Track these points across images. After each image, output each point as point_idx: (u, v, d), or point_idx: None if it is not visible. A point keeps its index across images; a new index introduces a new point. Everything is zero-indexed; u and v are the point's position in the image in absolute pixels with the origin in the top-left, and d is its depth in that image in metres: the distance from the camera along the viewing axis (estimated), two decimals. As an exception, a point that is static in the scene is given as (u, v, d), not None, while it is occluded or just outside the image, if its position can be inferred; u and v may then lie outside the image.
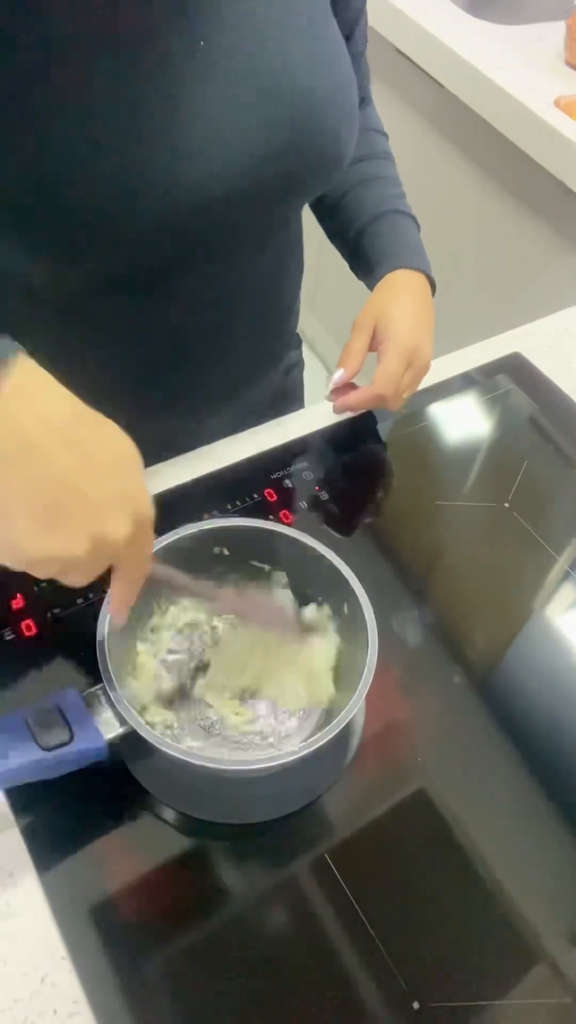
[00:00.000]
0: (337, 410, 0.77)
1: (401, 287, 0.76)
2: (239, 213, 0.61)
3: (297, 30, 0.59)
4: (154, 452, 0.77)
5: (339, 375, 0.74)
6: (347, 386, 0.75)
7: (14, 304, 0.65)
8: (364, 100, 0.83)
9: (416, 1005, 0.50)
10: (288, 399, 0.93)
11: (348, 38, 0.70)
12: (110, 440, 0.42)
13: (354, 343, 0.74)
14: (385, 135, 0.87)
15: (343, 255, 0.85)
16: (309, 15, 0.61)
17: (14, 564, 0.40)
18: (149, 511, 0.43)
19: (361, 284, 0.83)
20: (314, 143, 0.61)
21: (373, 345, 0.75)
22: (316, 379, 0.99)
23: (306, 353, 0.99)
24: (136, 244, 0.57)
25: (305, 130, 0.60)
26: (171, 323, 0.68)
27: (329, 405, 0.78)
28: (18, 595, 0.64)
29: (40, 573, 0.40)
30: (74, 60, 0.51)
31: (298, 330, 0.91)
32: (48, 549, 0.39)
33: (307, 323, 1.99)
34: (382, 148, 0.85)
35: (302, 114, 0.59)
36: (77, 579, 0.42)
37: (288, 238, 0.74)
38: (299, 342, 0.93)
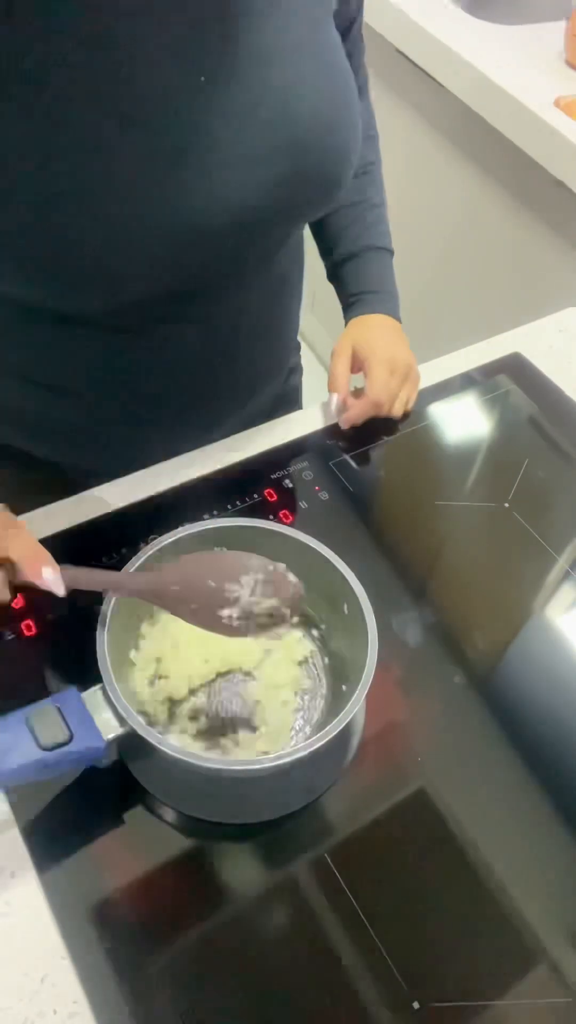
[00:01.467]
0: (345, 427, 0.81)
1: (372, 322, 0.83)
2: (244, 240, 0.61)
3: (300, 57, 0.59)
4: (167, 454, 0.78)
5: (335, 400, 0.81)
6: (351, 400, 0.81)
7: (19, 325, 0.66)
8: (361, 92, 0.82)
9: (416, 1005, 0.50)
10: (287, 402, 0.94)
11: (345, 34, 0.69)
12: None
13: (336, 368, 0.81)
14: (375, 136, 0.87)
15: (323, 262, 0.89)
16: (311, 39, 0.60)
17: None
18: None
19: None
20: (319, 168, 0.61)
21: (355, 368, 0.81)
22: (316, 380, 0.99)
23: (307, 353, 0.99)
24: (142, 279, 0.58)
25: (310, 157, 0.60)
26: (178, 348, 0.69)
27: (327, 405, 0.81)
28: (18, 595, 0.64)
29: None
30: (77, 99, 0.51)
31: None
32: None
33: (307, 323, 1.98)
34: (370, 158, 0.85)
35: (307, 141, 0.59)
36: None
37: (291, 253, 0.74)
38: (299, 347, 0.94)
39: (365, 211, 0.84)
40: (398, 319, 0.84)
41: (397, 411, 0.81)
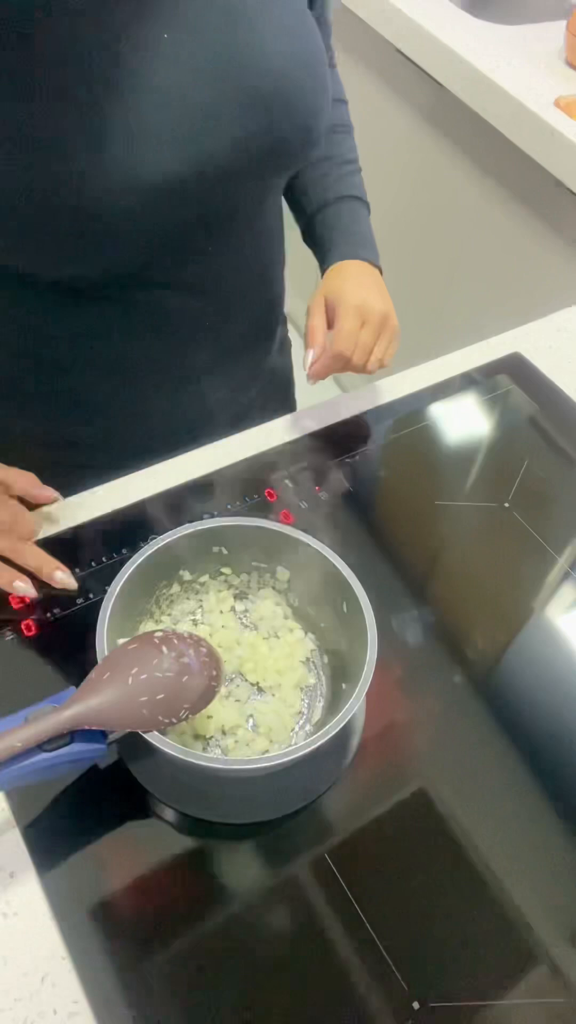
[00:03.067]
0: (311, 382, 0.78)
1: (344, 269, 0.79)
2: (216, 195, 0.61)
3: (265, 15, 0.60)
4: (165, 425, 0.79)
5: (311, 355, 0.75)
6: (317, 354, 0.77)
7: (8, 300, 0.67)
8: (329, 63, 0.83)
9: (416, 1005, 0.50)
10: (282, 382, 0.95)
11: (312, 3, 0.70)
12: None
13: (311, 321, 0.76)
14: (345, 102, 0.87)
15: (297, 225, 0.87)
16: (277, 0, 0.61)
17: None
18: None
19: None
20: (287, 123, 0.62)
21: (330, 319, 0.76)
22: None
23: (293, 335, 1.00)
24: (120, 237, 0.58)
25: (277, 111, 0.61)
26: (166, 313, 0.69)
27: (327, 405, 0.81)
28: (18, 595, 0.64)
29: None
30: (47, 57, 0.52)
31: (296, 325, 0.91)
32: None
33: (295, 307, 1.98)
34: (341, 120, 0.85)
35: (275, 94, 0.60)
36: None
37: (271, 212, 0.75)
38: (285, 319, 0.94)
39: (336, 166, 0.83)
40: (378, 267, 0.80)
41: (372, 366, 0.75)
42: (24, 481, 0.66)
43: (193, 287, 0.69)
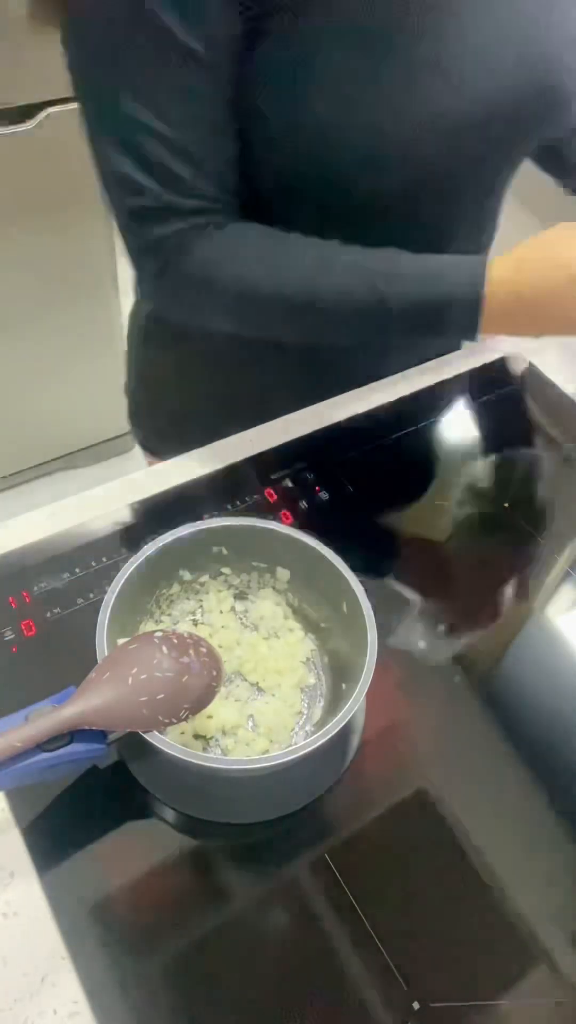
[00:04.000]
0: None
1: None
2: (491, 141, 0.66)
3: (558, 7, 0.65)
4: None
5: None
6: None
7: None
8: None
9: (416, 1005, 0.50)
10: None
11: None
12: None
13: None
14: None
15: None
16: None
17: None
18: None
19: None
20: (559, 85, 0.66)
21: None
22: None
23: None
24: (402, 164, 0.62)
25: (552, 73, 0.65)
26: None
27: (327, 405, 0.81)
28: (18, 595, 0.64)
29: None
30: (376, 16, 0.57)
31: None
32: None
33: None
34: None
35: (551, 56, 0.65)
36: None
37: (498, 199, 0.80)
38: None
39: None
40: None
41: None
42: None
43: (427, 229, 0.71)
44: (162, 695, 0.50)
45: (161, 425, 0.94)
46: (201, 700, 0.52)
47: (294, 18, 0.56)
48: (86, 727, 0.48)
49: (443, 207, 0.71)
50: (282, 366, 0.80)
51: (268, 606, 0.64)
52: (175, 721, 0.51)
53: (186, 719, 0.51)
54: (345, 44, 0.58)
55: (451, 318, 0.62)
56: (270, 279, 0.63)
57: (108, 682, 0.49)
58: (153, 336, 0.86)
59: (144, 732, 0.49)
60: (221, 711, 0.58)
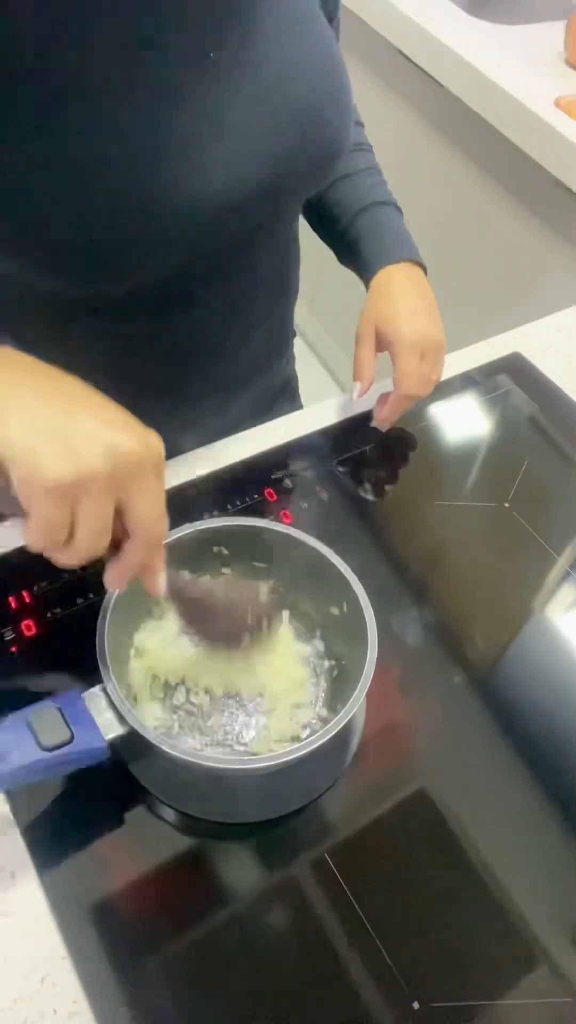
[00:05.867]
0: (382, 427, 0.80)
1: (391, 286, 0.77)
2: (254, 215, 0.62)
3: (295, 34, 0.60)
4: (176, 439, 0.78)
5: (356, 389, 0.77)
6: (381, 400, 0.79)
7: (20, 308, 0.66)
8: None
9: (416, 1005, 0.50)
10: (288, 392, 0.95)
11: (330, 20, 0.71)
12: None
13: (360, 353, 0.77)
14: (361, 124, 0.88)
15: (331, 248, 0.87)
16: (306, 14, 0.62)
17: (37, 497, 0.40)
18: (158, 446, 0.43)
19: (361, 285, 0.83)
20: (319, 139, 0.63)
21: (381, 347, 0.77)
22: (316, 380, 0.99)
23: (306, 354, 1.00)
24: (163, 255, 0.58)
25: (311, 128, 0.61)
26: (189, 328, 0.69)
27: (327, 405, 0.81)
28: (18, 595, 0.64)
29: (57, 506, 0.40)
30: (90, 77, 0.51)
31: (298, 328, 0.91)
32: (66, 470, 0.39)
33: (307, 324, 1.98)
34: (360, 139, 0.86)
35: (307, 113, 0.61)
36: (94, 510, 0.41)
37: (291, 233, 0.76)
38: (294, 333, 0.95)
39: (363, 178, 0.83)
40: (421, 263, 0.80)
41: (427, 392, 0.77)
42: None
43: (219, 307, 0.69)
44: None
45: None
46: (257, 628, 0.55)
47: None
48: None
49: (226, 267, 0.67)
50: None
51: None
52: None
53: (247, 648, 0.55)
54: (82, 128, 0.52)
55: None
56: None
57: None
58: None
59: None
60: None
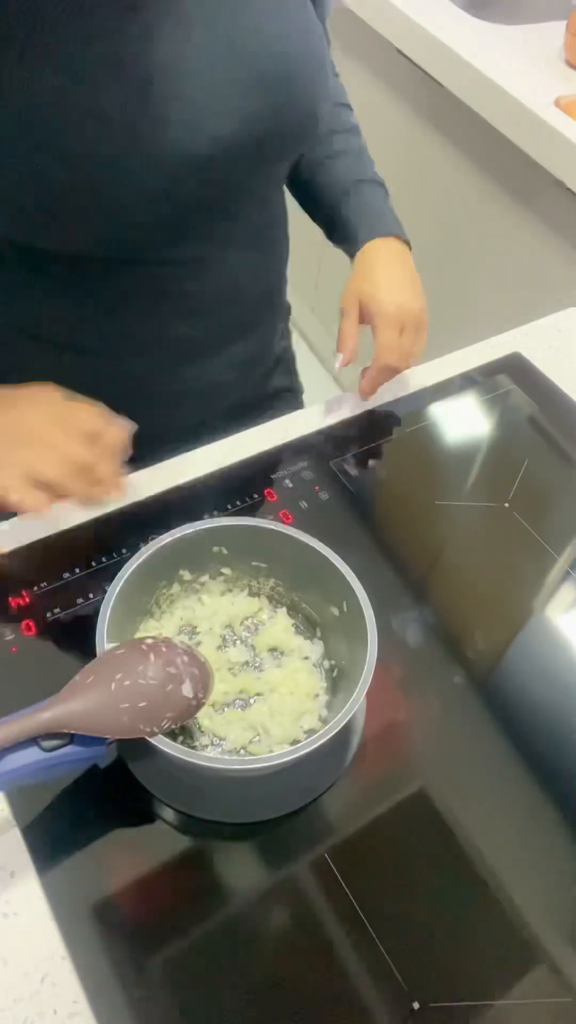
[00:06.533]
0: (365, 399, 0.82)
1: (373, 259, 0.80)
2: (229, 170, 0.63)
3: (268, 3, 0.62)
4: (168, 408, 0.80)
5: (339, 359, 0.79)
6: (363, 373, 0.80)
7: (22, 282, 0.68)
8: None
9: (416, 1005, 0.50)
10: (286, 367, 0.97)
11: (315, 2, 0.72)
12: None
13: (343, 325, 0.79)
14: (350, 108, 0.89)
15: (320, 227, 0.88)
16: None
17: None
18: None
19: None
20: (292, 103, 0.64)
21: (363, 320, 0.79)
22: (316, 379, 0.99)
23: (307, 353, 1.00)
24: (138, 209, 0.59)
25: (282, 91, 0.62)
26: (164, 287, 0.70)
27: (327, 405, 0.82)
28: (18, 595, 0.64)
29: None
30: (63, 37, 0.53)
31: (298, 327, 0.91)
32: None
33: (307, 322, 1.98)
34: (348, 121, 0.87)
35: (278, 76, 0.62)
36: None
37: (274, 206, 0.77)
38: (288, 312, 0.96)
39: (350, 158, 0.84)
40: (404, 239, 0.82)
41: (408, 366, 0.79)
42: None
43: (191, 268, 0.70)
44: (144, 703, 0.49)
45: None
46: (185, 711, 0.51)
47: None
48: (64, 731, 0.47)
49: (203, 230, 0.68)
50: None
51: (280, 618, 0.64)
52: (156, 731, 0.49)
53: (168, 729, 0.50)
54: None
55: None
56: None
57: (91, 686, 0.48)
58: None
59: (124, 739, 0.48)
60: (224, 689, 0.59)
